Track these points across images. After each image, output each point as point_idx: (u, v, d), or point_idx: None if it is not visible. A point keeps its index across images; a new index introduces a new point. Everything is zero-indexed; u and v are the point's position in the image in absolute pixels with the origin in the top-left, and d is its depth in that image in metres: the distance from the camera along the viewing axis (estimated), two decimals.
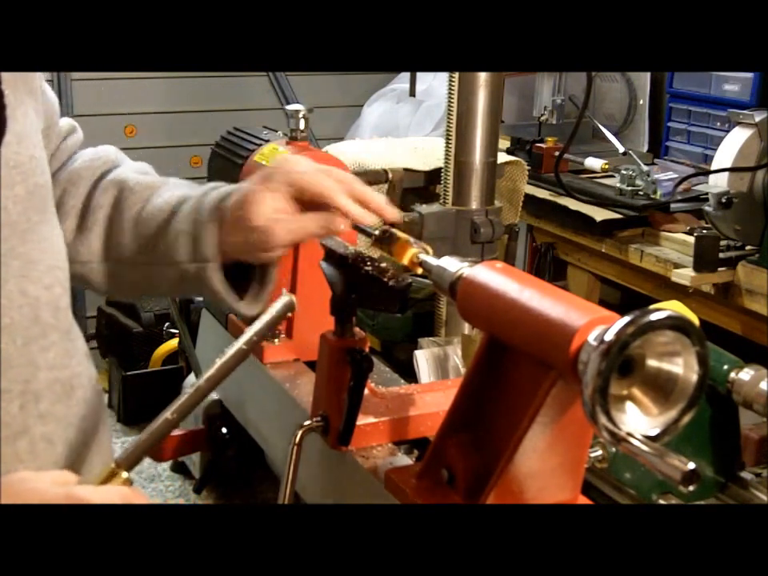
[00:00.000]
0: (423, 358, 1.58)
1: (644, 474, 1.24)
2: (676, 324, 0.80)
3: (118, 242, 1.05)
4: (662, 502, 1.25)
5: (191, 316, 1.98)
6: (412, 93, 3.84)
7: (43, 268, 0.90)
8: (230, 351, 0.85)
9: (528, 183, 2.18)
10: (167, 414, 0.81)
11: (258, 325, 0.89)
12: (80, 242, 1.05)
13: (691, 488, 0.76)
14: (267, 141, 1.55)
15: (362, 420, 1.17)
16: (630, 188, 2.55)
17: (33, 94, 0.94)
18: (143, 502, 0.76)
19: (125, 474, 0.78)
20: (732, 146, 2.24)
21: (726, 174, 2.22)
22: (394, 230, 1.09)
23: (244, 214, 0.97)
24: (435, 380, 1.56)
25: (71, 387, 0.91)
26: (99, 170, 1.10)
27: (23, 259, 0.87)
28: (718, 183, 2.23)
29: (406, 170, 1.88)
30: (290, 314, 0.93)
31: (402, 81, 3.94)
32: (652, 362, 0.83)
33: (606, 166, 2.65)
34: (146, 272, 1.04)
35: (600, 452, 1.21)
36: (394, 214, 1.04)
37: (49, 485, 0.73)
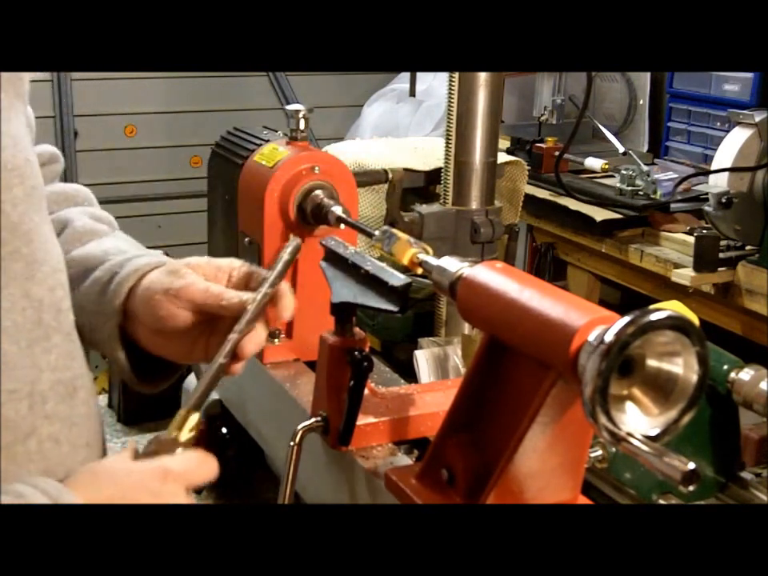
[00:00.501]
0: (423, 358, 1.58)
1: (644, 473, 1.24)
2: (676, 324, 0.80)
3: None
4: (662, 501, 1.25)
5: None
6: (412, 93, 3.85)
7: (48, 269, 0.90)
8: (259, 296, 0.94)
9: (528, 183, 2.18)
10: (220, 359, 0.91)
11: (276, 269, 0.97)
12: None
13: (691, 488, 0.76)
14: (267, 141, 1.55)
15: (362, 420, 1.17)
16: (629, 188, 2.55)
17: (21, 97, 0.94)
18: (214, 464, 0.85)
19: (196, 415, 0.87)
20: (732, 145, 2.24)
21: (726, 173, 2.22)
22: (394, 230, 1.10)
23: (147, 318, 0.97)
24: (435, 380, 1.56)
25: (74, 388, 0.92)
26: (57, 206, 1.10)
27: (28, 260, 0.87)
28: (718, 183, 2.24)
29: (406, 170, 1.87)
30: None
31: (402, 81, 3.94)
32: (652, 362, 0.83)
33: (606, 166, 2.65)
34: None
35: (600, 452, 1.21)
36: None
37: (137, 465, 0.82)
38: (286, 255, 1.00)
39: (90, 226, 1.08)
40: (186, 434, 0.86)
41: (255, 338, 0.95)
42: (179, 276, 0.97)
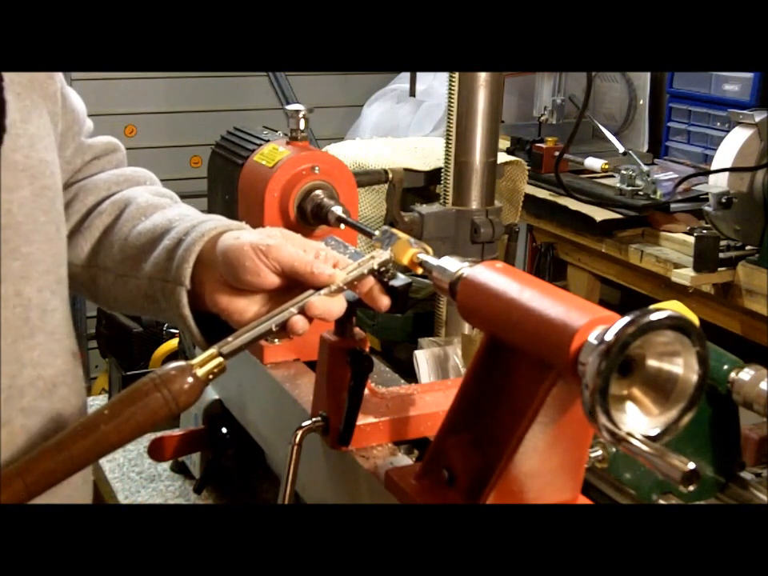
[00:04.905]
0: (423, 358, 1.58)
1: (644, 473, 1.24)
2: (676, 324, 0.80)
3: (107, 250, 1.07)
4: (662, 501, 1.25)
5: None
6: (412, 93, 3.85)
7: (41, 270, 0.92)
8: (350, 276, 0.97)
9: (528, 183, 2.18)
10: (271, 325, 0.91)
11: (364, 267, 0.99)
12: (70, 244, 1.06)
13: (691, 488, 0.76)
14: (267, 141, 1.55)
15: (362, 420, 1.17)
16: (629, 188, 2.56)
17: (49, 98, 0.97)
18: None
19: (221, 361, 0.87)
20: (732, 145, 2.24)
21: (726, 173, 2.22)
22: (394, 230, 1.09)
23: (227, 267, 0.95)
24: (435, 380, 1.56)
25: (54, 385, 0.95)
26: (117, 186, 1.12)
27: (26, 260, 0.89)
28: (718, 183, 2.24)
29: (406, 170, 1.87)
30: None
31: (402, 81, 3.94)
32: (652, 362, 0.83)
33: (606, 166, 2.66)
34: (121, 282, 1.05)
35: (600, 452, 1.21)
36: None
37: None
38: (375, 264, 1.00)
39: (152, 201, 1.09)
40: (202, 371, 0.86)
41: (329, 303, 0.95)
42: (270, 236, 0.96)
